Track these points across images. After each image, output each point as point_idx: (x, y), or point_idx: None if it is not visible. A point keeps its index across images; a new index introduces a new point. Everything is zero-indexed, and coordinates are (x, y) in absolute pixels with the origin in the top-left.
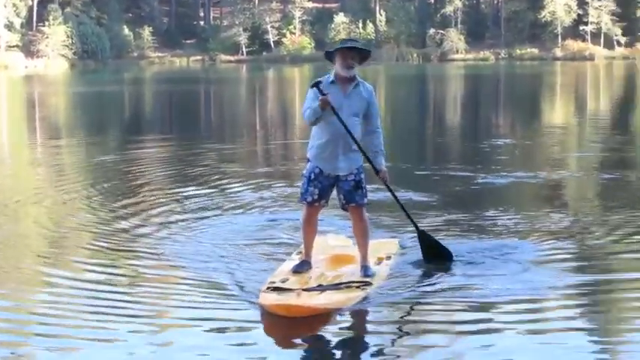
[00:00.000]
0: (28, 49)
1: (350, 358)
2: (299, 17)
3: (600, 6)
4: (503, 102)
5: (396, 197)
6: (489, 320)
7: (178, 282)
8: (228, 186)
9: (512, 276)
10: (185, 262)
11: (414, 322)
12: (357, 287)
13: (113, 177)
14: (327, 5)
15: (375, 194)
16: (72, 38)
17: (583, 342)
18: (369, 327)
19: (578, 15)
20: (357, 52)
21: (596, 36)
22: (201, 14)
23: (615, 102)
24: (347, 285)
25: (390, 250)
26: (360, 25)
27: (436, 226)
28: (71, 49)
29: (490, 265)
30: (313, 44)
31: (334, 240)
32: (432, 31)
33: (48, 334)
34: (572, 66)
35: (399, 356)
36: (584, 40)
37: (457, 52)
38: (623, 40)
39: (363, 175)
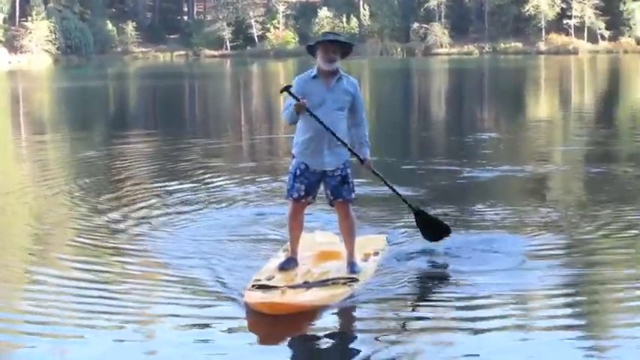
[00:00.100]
0: (12, 44)
1: (336, 356)
2: (283, 12)
3: (584, 0)
4: (487, 96)
5: (386, 182)
6: (478, 316)
7: (163, 279)
8: (213, 181)
9: (500, 271)
10: (170, 258)
11: (402, 318)
12: (344, 284)
13: (97, 172)
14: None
15: (361, 189)
16: (55, 33)
17: (571, 338)
18: (356, 324)
19: (562, 9)
20: (339, 46)
21: (579, 30)
22: (185, 9)
23: (599, 96)
24: (333, 282)
25: (377, 246)
26: (344, 19)
27: None
28: (54, 44)
29: (478, 260)
30: (297, 39)
31: (321, 237)
32: (415, 25)
33: (33, 332)
34: (556, 60)
35: (385, 353)
36: (567, 34)
37: (441, 46)
38: (606, 34)
39: (349, 170)
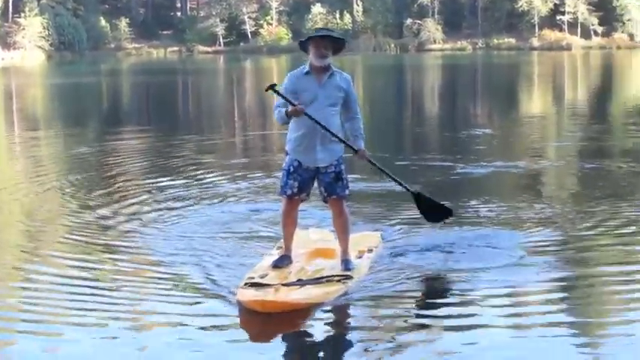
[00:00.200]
0: (5, 40)
1: (330, 354)
2: (276, 8)
3: None
4: (481, 92)
5: (382, 169)
6: (472, 313)
7: (154, 276)
8: (206, 177)
9: (495, 267)
10: (162, 256)
11: (396, 316)
12: (338, 281)
13: (90, 169)
14: None
15: (355, 185)
16: (48, 30)
17: (565, 334)
18: (350, 322)
19: (555, 5)
20: (330, 42)
21: (572, 26)
22: (178, 5)
23: (593, 91)
24: (327, 279)
25: (371, 243)
26: (337, 15)
27: (417, 216)
28: (48, 40)
29: (472, 256)
30: (290, 35)
31: (316, 234)
32: (409, 21)
33: (25, 329)
34: (549, 56)
35: (380, 351)
36: (561, 29)
37: (434, 42)
38: (599, 29)
39: (343, 167)
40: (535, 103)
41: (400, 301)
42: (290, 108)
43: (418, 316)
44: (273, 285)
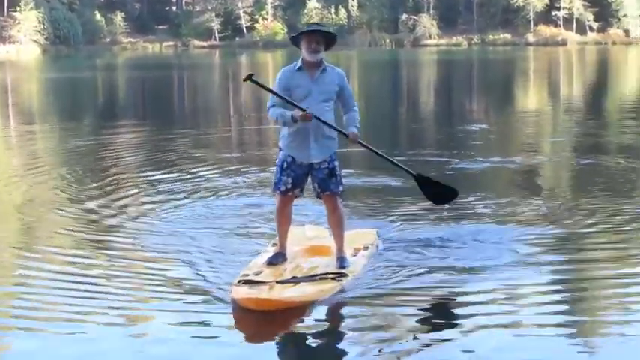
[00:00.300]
0: (0, 34)
1: (324, 352)
2: (271, 2)
3: None
4: (476, 87)
5: (377, 152)
6: (469, 313)
7: (149, 273)
8: (201, 172)
9: (492, 265)
10: (157, 252)
11: (392, 314)
12: (333, 279)
13: (85, 163)
14: None
15: (351, 181)
16: (44, 24)
17: (562, 334)
18: (345, 320)
19: (550, 0)
20: (322, 37)
21: (568, 21)
22: (173, 0)
23: (588, 87)
24: (322, 277)
25: (367, 240)
26: (333, 10)
27: (414, 212)
28: (43, 34)
29: (469, 254)
30: (286, 30)
31: (311, 231)
32: (404, 16)
33: (23, 326)
34: (544, 51)
35: (375, 350)
36: (556, 25)
37: (430, 37)
38: (595, 25)
39: (337, 163)
40: (531, 98)
41: (396, 299)
42: (298, 113)
43: (413, 314)
44: (268, 282)
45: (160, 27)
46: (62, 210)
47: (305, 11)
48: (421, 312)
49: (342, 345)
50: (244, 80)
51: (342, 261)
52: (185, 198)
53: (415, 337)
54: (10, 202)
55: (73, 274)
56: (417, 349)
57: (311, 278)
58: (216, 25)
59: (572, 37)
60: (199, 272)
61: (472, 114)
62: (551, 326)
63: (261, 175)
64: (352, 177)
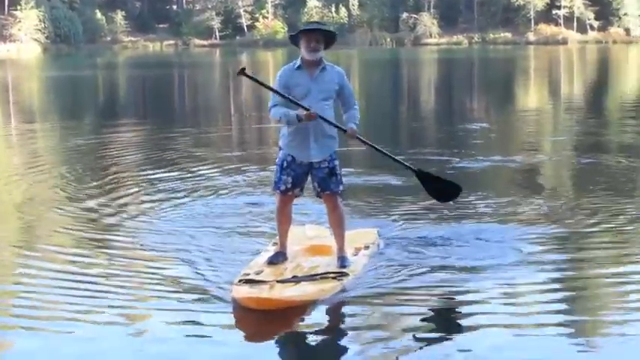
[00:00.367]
0: (1, 33)
1: (325, 351)
2: (271, 1)
3: None
4: (477, 86)
5: (376, 147)
6: (470, 312)
7: (150, 272)
8: (201, 171)
9: (492, 265)
10: (157, 251)
11: (393, 313)
12: (334, 278)
13: (86, 161)
14: None
15: (351, 180)
16: (44, 22)
17: (563, 333)
18: (346, 319)
19: None
20: (321, 35)
21: (569, 20)
22: None
23: (589, 86)
24: (322, 276)
25: (368, 239)
26: (333, 9)
27: (415, 211)
28: (44, 33)
29: (469, 253)
30: (286, 28)
31: (312, 230)
32: (404, 15)
33: (23, 325)
34: (545, 50)
35: (375, 349)
36: (557, 24)
37: (430, 36)
38: (595, 24)
39: (337, 162)
40: (531, 97)
41: (396, 298)
42: (302, 112)
43: (414, 314)
44: (268, 282)
45: (161, 26)
46: (62, 209)
47: (305, 10)
48: (422, 311)
49: (342, 344)
50: (238, 75)
51: (342, 260)
52: (185, 197)
53: (416, 337)
54: (10, 201)
55: (72, 273)
56: (417, 348)
57: (312, 278)
58: (216, 23)
59: (572, 35)
60: (199, 271)
61: (473, 113)
62: (551, 326)
63: (262, 174)
64: (352, 176)
